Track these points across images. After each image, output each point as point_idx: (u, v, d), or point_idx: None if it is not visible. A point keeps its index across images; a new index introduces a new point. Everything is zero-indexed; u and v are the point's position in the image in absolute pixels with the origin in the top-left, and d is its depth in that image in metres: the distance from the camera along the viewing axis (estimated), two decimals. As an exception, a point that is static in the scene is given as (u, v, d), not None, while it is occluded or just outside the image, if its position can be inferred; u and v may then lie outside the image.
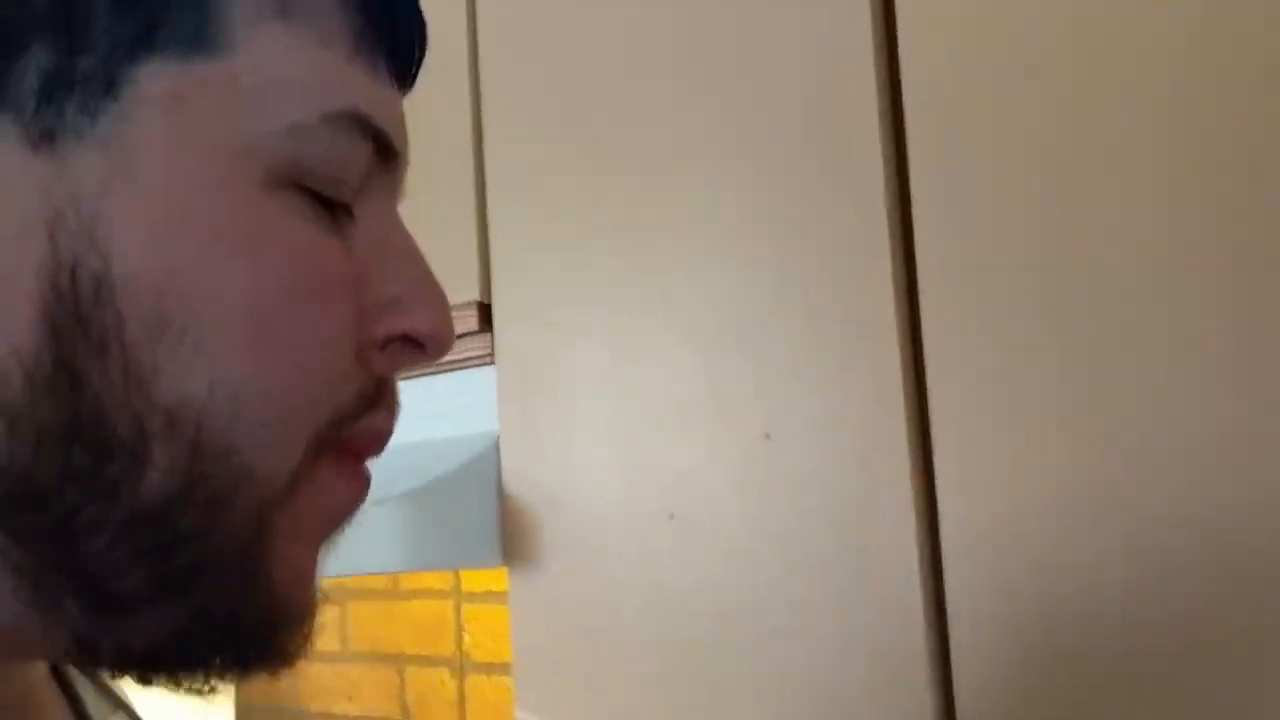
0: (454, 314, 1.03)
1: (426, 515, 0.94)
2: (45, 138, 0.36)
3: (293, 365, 0.38)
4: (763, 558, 0.80)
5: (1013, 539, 0.69)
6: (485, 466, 0.95)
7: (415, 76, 0.45)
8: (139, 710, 0.59)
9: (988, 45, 0.72)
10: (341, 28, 0.40)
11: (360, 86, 0.40)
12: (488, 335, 0.97)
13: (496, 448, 0.95)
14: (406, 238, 0.43)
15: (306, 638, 0.41)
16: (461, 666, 1.53)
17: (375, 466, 1.04)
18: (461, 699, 1.53)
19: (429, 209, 1.01)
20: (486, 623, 1.49)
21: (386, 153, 0.41)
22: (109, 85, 0.36)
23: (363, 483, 0.42)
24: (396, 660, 1.62)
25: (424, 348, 0.42)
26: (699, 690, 0.83)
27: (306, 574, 0.41)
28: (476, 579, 1.49)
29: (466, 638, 1.52)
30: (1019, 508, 0.69)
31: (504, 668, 1.43)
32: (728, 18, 0.84)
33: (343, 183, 0.40)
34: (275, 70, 0.38)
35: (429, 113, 1.02)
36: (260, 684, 1.47)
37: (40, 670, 0.49)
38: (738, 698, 0.81)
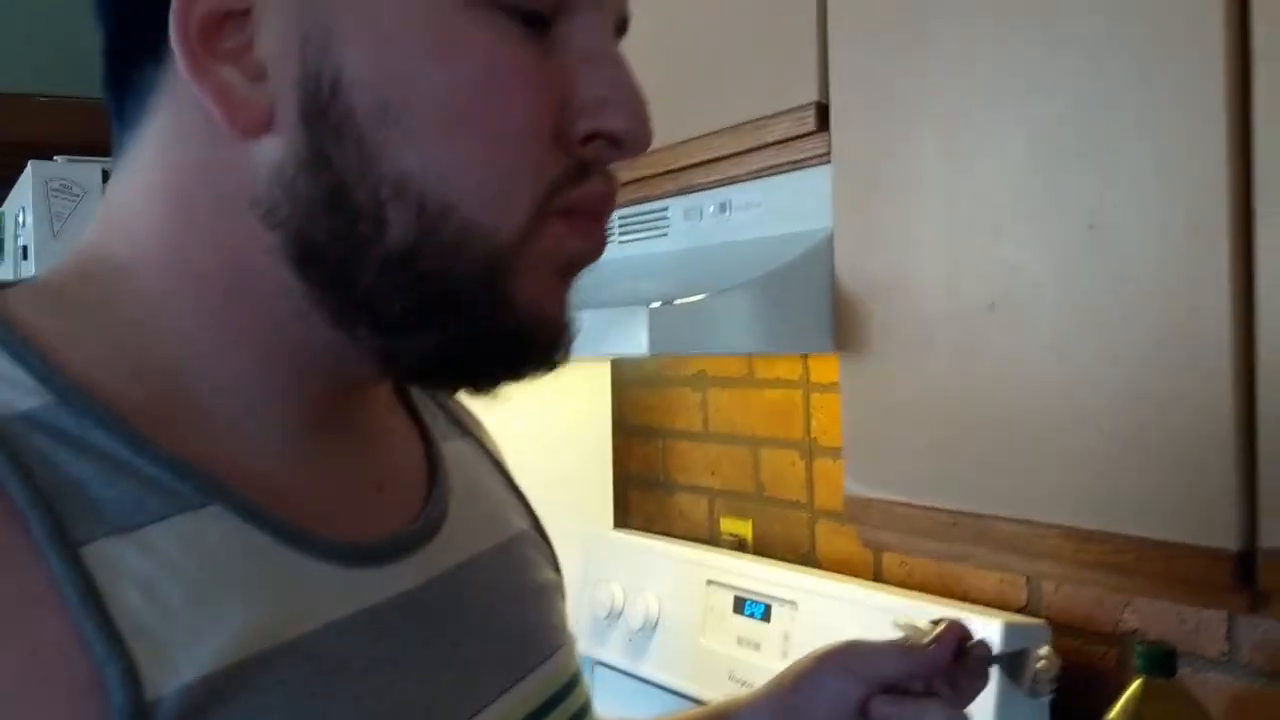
0: (793, 114, 1.12)
1: (766, 303, 1.03)
2: None
3: (483, 144, 0.47)
4: (1081, 347, 0.83)
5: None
6: (821, 260, 1.02)
7: None
8: (487, 437, 0.73)
9: None
10: None
11: None
12: (825, 135, 1.02)
13: (831, 243, 1.02)
14: (610, 46, 0.51)
15: (560, 347, 0.52)
16: (810, 449, 1.64)
17: (722, 263, 1.17)
18: (810, 479, 1.64)
19: (770, 13, 1.07)
20: (833, 411, 1.57)
21: None
22: None
23: (596, 236, 0.52)
24: (751, 441, 1.75)
25: (621, 144, 0.50)
26: (1013, 470, 0.88)
27: (551, 297, 0.51)
28: (824, 370, 1.58)
29: (814, 423, 1.62)
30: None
31: (849, 452, 1.52)
32: None
33: (548, 6, 0.48)
34: None
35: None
36: (637, 459, 1.67)
37: (386, 400, 0.62)
38: (1048, 479, 0.86)
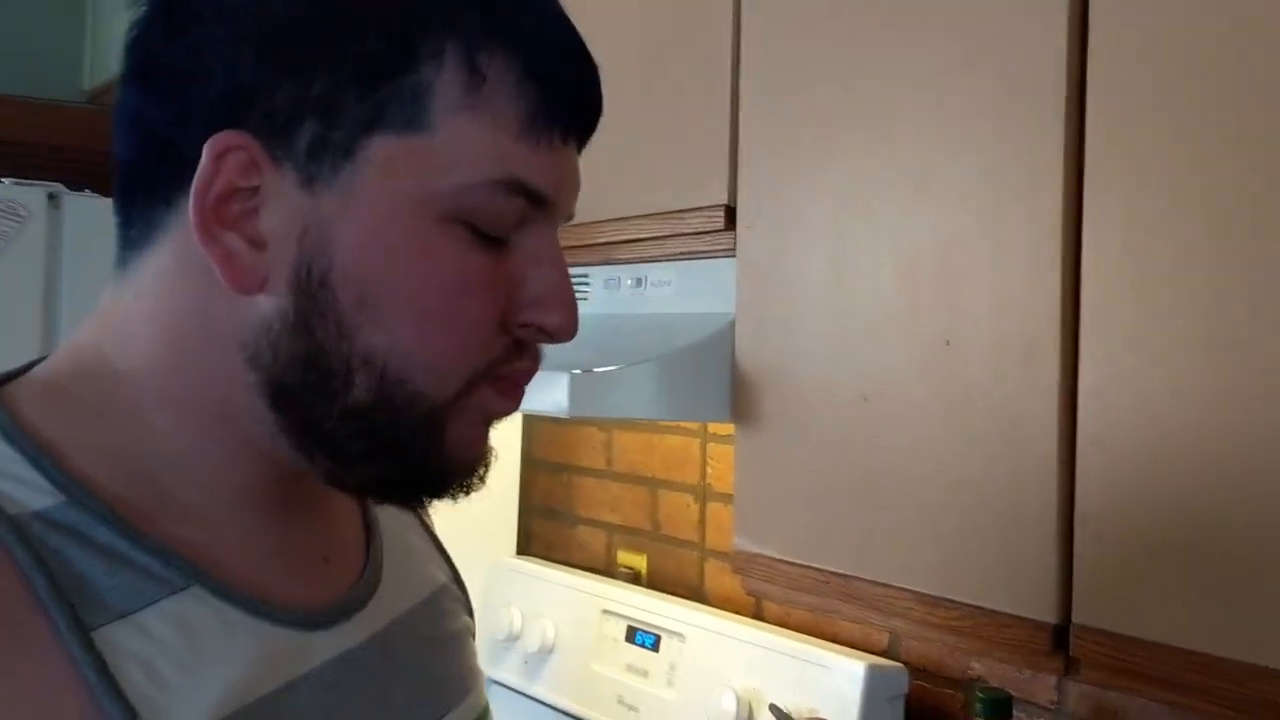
0: (705, 212, 1.26)
1: (673, 376, 1.16)
2: (308, 181, 0.55)
3: (442, 335, 0.57)
4: (935, 441, 0.97)
5: (1144, 446, 0.84)
6: (723, 342, 1.16)
7: (590, 133, 0.63)
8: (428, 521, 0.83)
9: None
10: (517, 113, 0.57)
11: (521, 158, 0.57)
12: (732, 233, 1.16)
13: (733, 327, 1.16)
14: (554, 254, 0.60)
15: (478, 478, 0.62)
16: (704, 494, 1.77)
17: (636, 335, 1.32)
18: (702, 520, 1.77)
19: (685, 121, 1.20)
20: (728, 460, 1.70)
21: (540, 203, 0.58)
22: (349, 151, 0.55)
23: (516, 398, 0.62)
24: (650, 483, 1.88)
25: (552, 336, 0.61)
26: (876, 539, 1.02)
27: (474, 442, 0.61)
28: (721, 424, 1.71)
29: (709, 470, 1.76)
30: (1151, 417, 0.84)
31: (739, 499, 1.66)
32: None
33: (500, 223, 0.58)
34: (457, 147, 0.56)
35: (691, 37, 1.20)
36: (542, 491, 1.79)
37: None
38: (904, 549, 1.00)
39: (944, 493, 0.97)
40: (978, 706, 1.18)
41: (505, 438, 1.99)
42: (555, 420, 2.07)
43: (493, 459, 0.63)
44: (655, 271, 1.28)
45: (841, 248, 1.05)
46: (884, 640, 1.48)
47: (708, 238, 1.18)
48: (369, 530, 0.71)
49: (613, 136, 1.33)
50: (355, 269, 0.55)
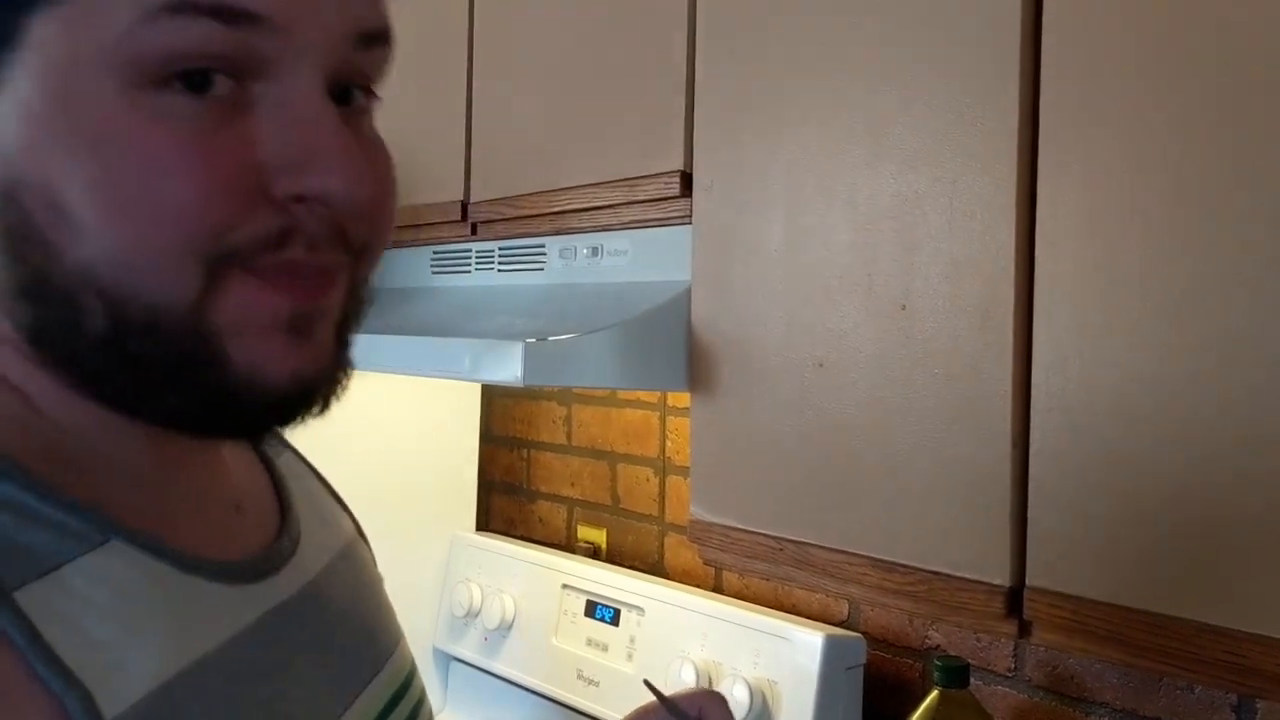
0: (661, 179, 1.24)
1: (629, 345, 1.15)
2: None
3: (144, 227, 0.47)
4: (890, 405, 0.97)
5: (1098, 409, 0.84)
6: (679, 309, 1.15)
7: None
8: (300, 451, 0.77)
9: (1115, -10, 0.83)
10: None
11: None
12: (688, 199, 1.15)
13: (689, 295, 1.15)
14: (308, 103, 0.49)
15: (308, 399, 0.53)
16: (664, 467, 1.77)
17: (592, 304, 1.29)
18: (662, 494, 1.77)
19: (646, 83, 1.19)
20: (686, 433, 1.71)
21: (254, 22, 0.47)
22: (8, 38, 0.47)
23: (278, 291, 0.50)
24: (610, 456, 1.87)
25: (328, 203, 0.50)
26: (831, 506, 1.02)
27: (272, 357, 0.51)
28: (680, 396, 1.71)
29: (668, 444, 1.75)
30: (1105, 380, 0.84)
31: (699, 472, 1.65)
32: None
33: (189, 62, 0.47)
34: None
35: (647, 6, 1.19)
36: (501, 467, 1.78)
37: None
38: (859, 515, 1.00)
39: (899, 458, 0.96)
40: (935, 675, 1.18)
41: (463, 412, 2.00)
42: (513, 395, 2.06)
43: (335, 372, 0.54)
44: (611, 241, 1.26)
45: (797, 212, 1.04)
46: (843, 611, 1.49)
47: (664, 205, 1.17)
48: (274, 477, 0.68)
49: (567, 105, 1.33)
50: (36, 172, 0.47)
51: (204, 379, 0.50)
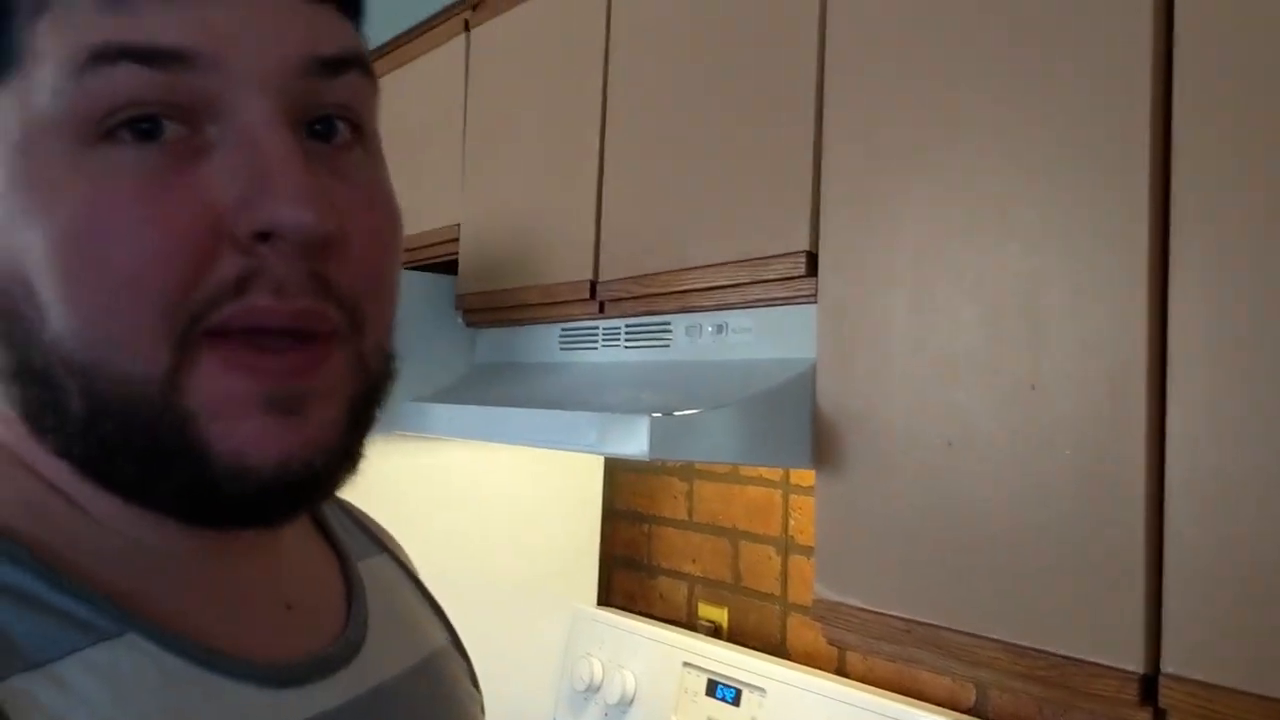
0: (787, 259, 1.25)
1: (754, 420, 1.16)
2: None
3: (100, 294, 0.44)
4: (1019, 485, 0.96)
5: (1234, 491, 0.82)
6: (804, 387, 1.16)
7: None
8: (401, 551, 0.72)
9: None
10: None
11: (106, 25, 0.44)
12: (813, 279, 1.16)
13: (814, 372, 1.16)
14: (258, 139, 0.46)
15: (314, 486, 0.48)
16: (786, 546, 1.76)
17: (717, 380, 1.32)
18: (785, 573, 1.76)
19: (766, 169, 1.21)
20: (810, 511, 1.69)
21: (182, 61, 0.45)
22: None
23: (252, 366, 0.46)
24: (731, 534, 1.87)
25: (285, 237, 0.45)
26: (960, 586, 1.01)
27: (252, 442, 0.46)
28: (804, 474, 1.70)
29: (791, 522, 1.75)
30: (1241, 460, 0.82)
31: (822, 552, 1.64)
32: None
33: (153, 109, 0.45)
34: (38, 57, 0.45)
35: (772, 83, 1.22)
36: (623, 542, 1.79)
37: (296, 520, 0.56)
38: (988, 596, 0.98)
39: (1029, 539, 0.95)
40: (1067, 765, 1.15)
41: (586, 486, 2.02)
42: (636, 469, 2.08)
43: (341, 456, 0.50)
44: (737, 319, 1.28)
45: (923, 290, 1.05)
46: (971, 698, 1.45)
47: (789, 284, 1.19)
48: (350, 583, 0.62)
49: (694, 186, 1.36)
50: (6, 248, 0.45)
51: (184, 467, 0.46)
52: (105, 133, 0.44)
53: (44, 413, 0.47)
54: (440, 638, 0.68)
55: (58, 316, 0.45)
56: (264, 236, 0.45)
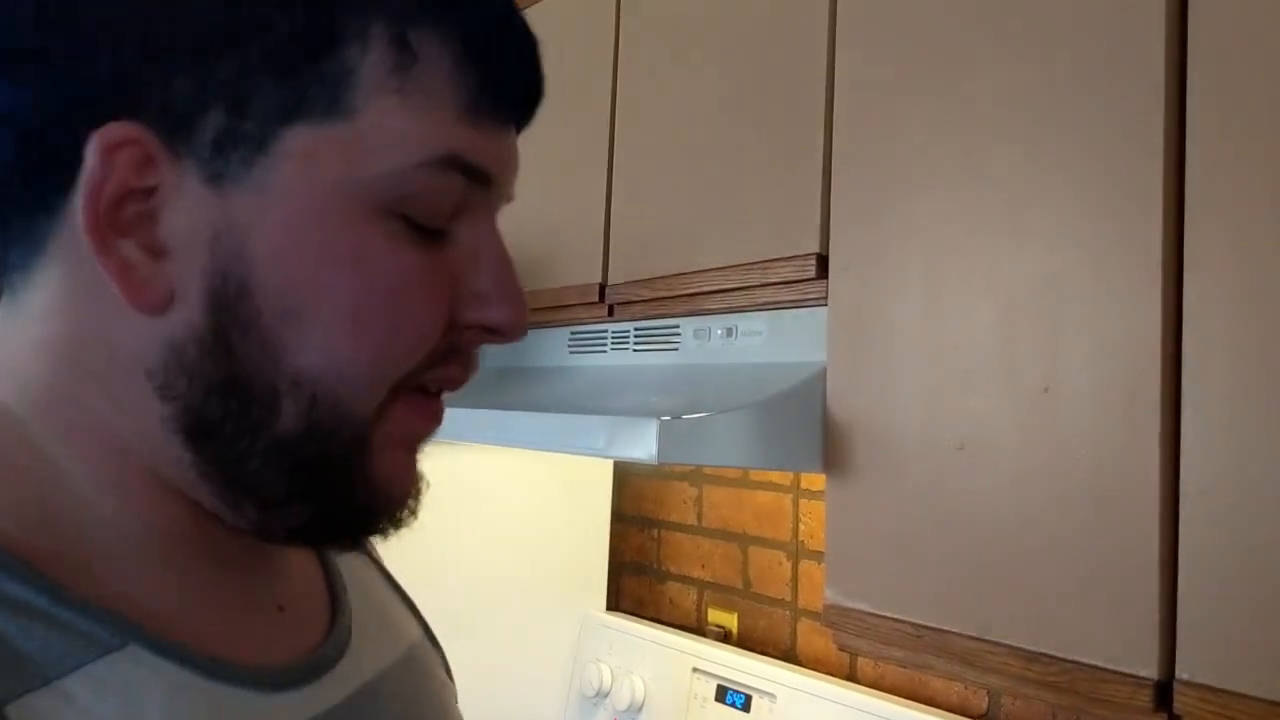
0: (796, 261, 1.25)
1: (763, 425, 1.15)
2: (215, 179, 0.48)
3: (381, 347, 0.50)
4: (1033, 490, 0.95)
5: (1249, 496, 0.81)
6: (814, 390, 1.15)
7: (531, 115, 0.57)
8: (373, 547, 0.74)
9: None
10: (454, 95, 0.51)
11: (458, 135, 0.51)
12: (824, 282, 1.16)
13: (824, 376, 1.15)
14: (497, 244, 0.55)
15: (408, 514, 0.55)
16: (796, 551, 1.75)
17: (726, 384, 1.30)
18: (795, 578, 1.75)
19: (783, 168, 1.20)
20: (820, 516, 1.69)
21: (483, 181, 0.53)
22: (262, 143, 0.48)
23: (432, 414, 0.55)
24: (741, 539, 1.86)
25: (499, 334, 0.55)
26: (971, 592, 1.00)
27: (401, 473, 0.54)
28: (813, 479, 1.69)
29: (801, 527, 1.74)
30: (1257, 466, 0.81)
31: (832, 557, 1.63)
32: None
33: (438, 210, 0.52)
34: (384, 130, 0.50)
35: (783, 86, 1.21)
36: (633, 547, 1.79)
37: None
38: (1000, 602, 0.97)
39: (1042, 544, 0.94)
40: (1080, 772, 1.14)
41: (595, 492, 2.01)
42: (645, 474, 2.07)
43: (424, 488, 0.56)
44: (746, 322, 1.27)
45: (936, 293, 1.04)
46: (982, 704, 1.44)
47: (799, 286, 1.18)
48: (329, 576, 0.64)
49: (703, 189, 1.35)
50: (277, 277, 0.49)
51: (348, 488, 0.52)
52: (394, 211, 0.51)
53: (229, 426, 0.49)
54: (414, 630, 0.70)
55: (322, 351, 0.49)
56: (487, 329, 0.54)
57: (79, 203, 0.47)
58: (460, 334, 0.53)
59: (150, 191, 0.48)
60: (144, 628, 0.48)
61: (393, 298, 0.50)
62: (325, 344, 0.49)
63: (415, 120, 0.50)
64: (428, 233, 0.52)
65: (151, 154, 0.48)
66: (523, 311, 0.55)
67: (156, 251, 0.48)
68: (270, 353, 0.49)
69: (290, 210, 0.49)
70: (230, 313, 0.48)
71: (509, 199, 0.57)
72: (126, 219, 0.48)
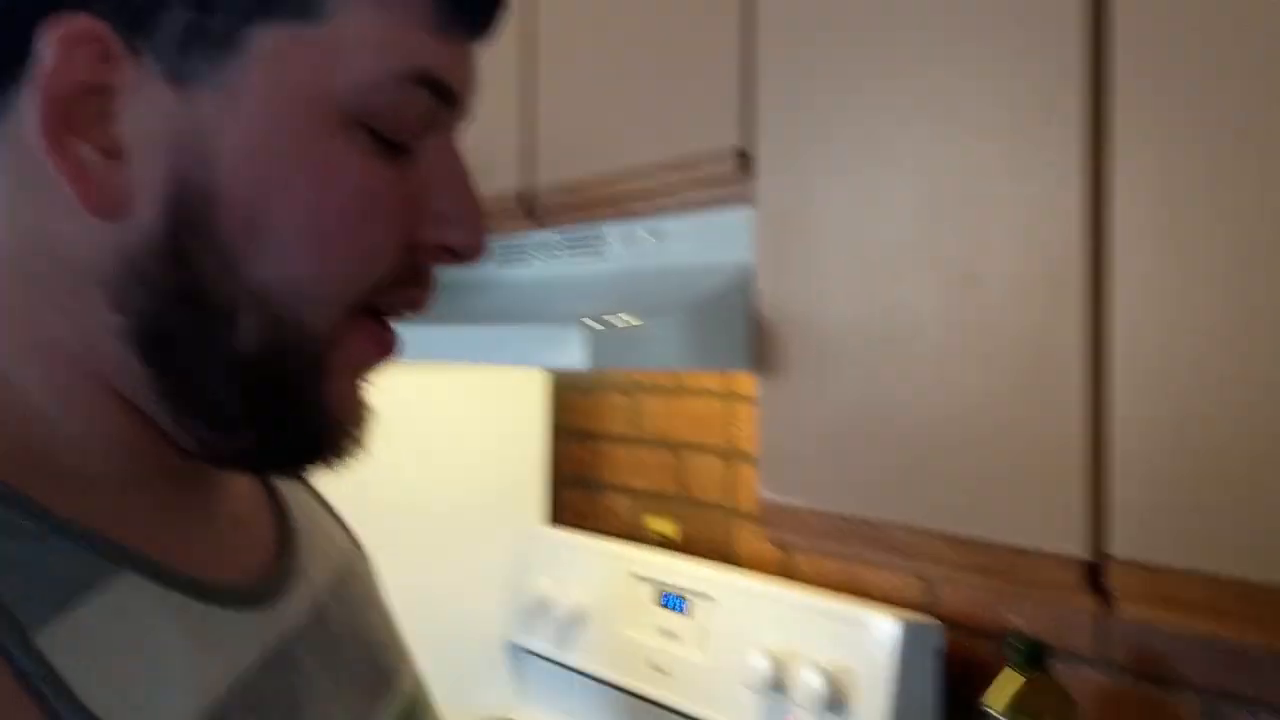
0: (720, 158, 1.23)
1: (693, 327, 1.14)
2: (178, 79, 0.46)
3: (343, 264, 0.49)
4: (959, 378, 0.95)
5: (1175, 374, 0.82)
6: (743, 290, 1.14)
7: (492, 29, 0.54)
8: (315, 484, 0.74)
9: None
10: (426, 3, 0.49)
11: (430, 49, 0.49)
12: (749, 179, 1.14)
13: (752, 275, 1.14)
14: (459, 164, 0.53)
15: (358, 443, 0.54)
16: (731, 455, 1.75)
17: (653, 288, 1.29)
18: (730, 481, 1.76)
19: (696, 65, 1.18)
20: (753, 421, 1.69)
21: (449, 99, 0.51)
22: (229, 42, 0.46)
23: (386, 343, 0.54)
24: (677, 447, 1.86)
25: (460, 255, 0.53)
26: (902, 482, 1.00)
27: (352, 400, 0.53)
28: (747, 383, 1.69)
29: (736, 431, 1.74)
30: (1183, 344, 0.81)
31: (767, 459, 1.64)
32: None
33: (405, 125, 0.50)
34: (357, 37, 0.47)
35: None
36: (572, 460, 1.78)
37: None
38: (931, 490, 0.98)
39: (971, 431, 0.94)
40: (1013, 655, 1.16)
41: (531, 408, 1.99)
42: (580, 387, 2.06)
43: (370, 419, 0.55)
44: (673, 224, 1.25)
45: (861, 186, 1.03)
46: (919, 595, 1.46)
47: (724, 186, 1.16)
48: (272, 496, 0.64)
49: (621, 84, 1.32)
50: (240, 185, 0.47)
51: (298, 411, 0.51)
52: (362, 123, 0.48)
53: (187, 340, 0.48)
54: (343, 538, 0.71)
55: (280, 263, 0.47)
56: (447, 249, 0.52)
57: (32, 99, 0.45)
58: (419, 254, 0.52)
59: (108, 90, 0.45)
60: (134, 551, 0.48)
61: (356, 211, 0.49)
62: (285, 256, 0.47)
63: (389, 29, 0.48)
64: (392, 147, 0.50)
65: (110, 49, 0.45)
66: (483, 233, 0.53)
67: (113, 153, 0.46)
68: (229, 264, 0.47)
69: (256, 114, 0.47)
70: (189, 220, 0.46)
71: (469, 117, 0.55)
72: (82, 118, 0.45)
